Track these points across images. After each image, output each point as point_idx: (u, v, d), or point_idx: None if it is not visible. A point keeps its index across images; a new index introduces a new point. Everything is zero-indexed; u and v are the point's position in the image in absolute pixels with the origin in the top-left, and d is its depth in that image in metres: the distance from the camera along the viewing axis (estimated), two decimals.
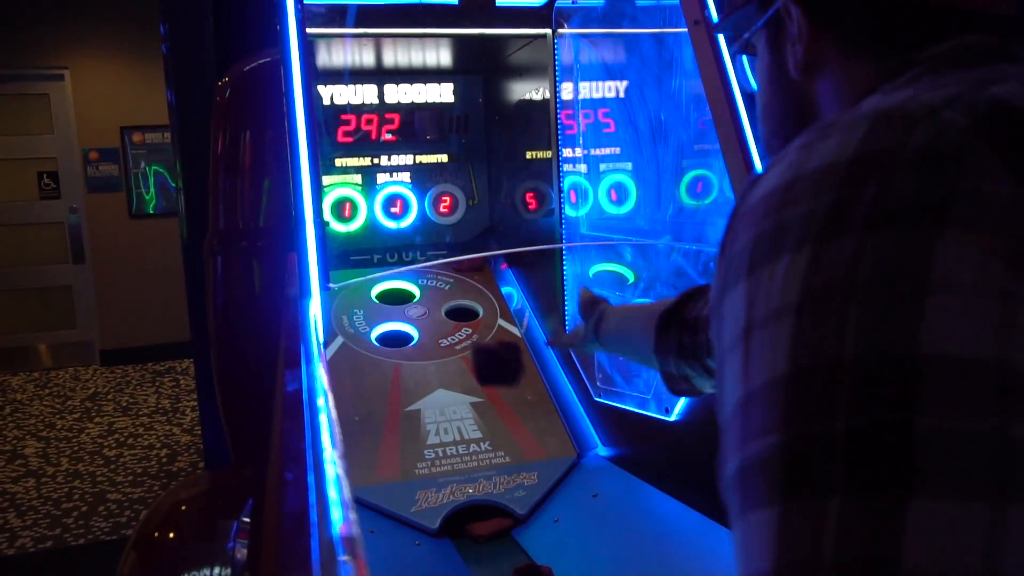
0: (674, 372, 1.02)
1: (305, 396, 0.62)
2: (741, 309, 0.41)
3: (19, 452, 4.23)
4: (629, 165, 2.10)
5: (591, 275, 2.09)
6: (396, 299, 2.30)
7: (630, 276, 2.04)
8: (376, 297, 2.29)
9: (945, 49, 0.49)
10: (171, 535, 1.43)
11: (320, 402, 0.62)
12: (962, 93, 0.41)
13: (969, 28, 0.49)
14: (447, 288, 2.36)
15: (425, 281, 2.37)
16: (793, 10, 0.56)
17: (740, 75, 1.57)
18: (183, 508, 1.50)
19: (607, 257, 2.10)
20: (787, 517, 0.35)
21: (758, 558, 0.36)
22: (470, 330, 2.22)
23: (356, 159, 2.43)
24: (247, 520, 1.29)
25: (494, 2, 2.01)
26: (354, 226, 2.41)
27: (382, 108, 2.43)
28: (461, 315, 2.30)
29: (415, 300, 2.30)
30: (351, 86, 2.39)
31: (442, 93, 2.48)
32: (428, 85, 2.46)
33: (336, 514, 0.44)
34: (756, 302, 0.40)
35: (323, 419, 0.58)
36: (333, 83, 2.36)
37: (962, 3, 0.50)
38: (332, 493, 0.45)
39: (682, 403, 1.70)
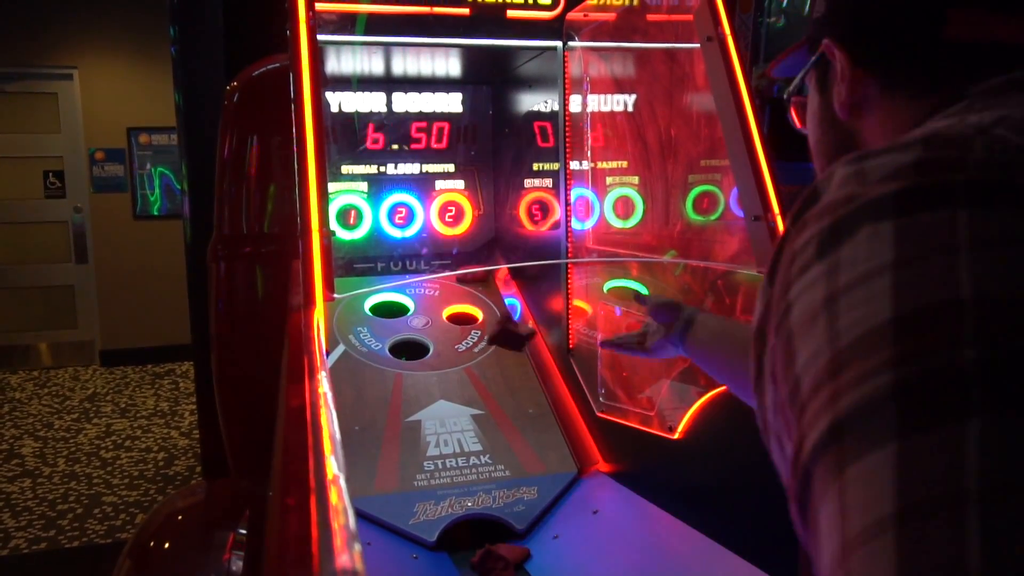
0: None
1: (309, 414, 0.61)
2: (819, 285, 0.42)
3: (16, 451, 4.21)
4: (636, 179, 2.08)
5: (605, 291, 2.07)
6: (392, 312, 2.29)
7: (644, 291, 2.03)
8: (371, 310, 2.28)
9: (995, 84, 0.51)
10: (166, 544, 1.42)
11: (323, 420, 0.60)
12: (1011, 113, 0.45)
13: (1016, 63, 0.52)
14: (438, 294, 2.35)
15: (417, 291, 2.36)
16: (837, 53, 0.61)
17: (751, 93, 1.56)
18: (179, 517, 1.49)
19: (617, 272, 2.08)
20: (913, 451, 0.36)
21: (873, 505, 0.36)
22: (479, 332, 2.22)
23: (362, 167, 2.42)
24: (243, 532, 1.27)
25: (505, 13, 2.01)
26: (359, 234, 2.40)
27: (390, 116, 2.43)
28: (461, 320, 2.30)
29: (410, 312, 2.29)
30: (359, 93, 2.38)
31: (450, 103, 2.48)
32: (436, 94, 2.46)
33: (339, 542, 0.42)
34: (839, 272, 0.42)
35: (326, 438, 0.57)
36: (341, 90, 2.36)
37: (1009, 38, 0.53)
38: (336, 521, 0.44)
39: (686, 422, 1.68)
